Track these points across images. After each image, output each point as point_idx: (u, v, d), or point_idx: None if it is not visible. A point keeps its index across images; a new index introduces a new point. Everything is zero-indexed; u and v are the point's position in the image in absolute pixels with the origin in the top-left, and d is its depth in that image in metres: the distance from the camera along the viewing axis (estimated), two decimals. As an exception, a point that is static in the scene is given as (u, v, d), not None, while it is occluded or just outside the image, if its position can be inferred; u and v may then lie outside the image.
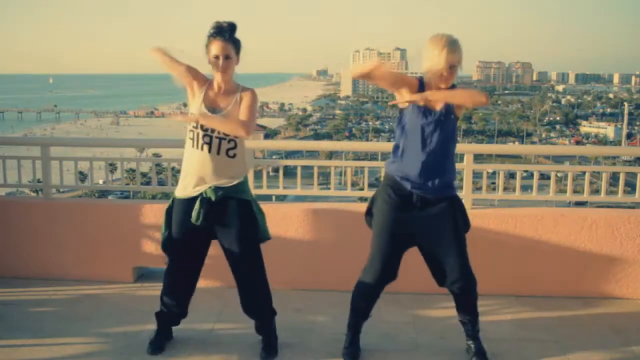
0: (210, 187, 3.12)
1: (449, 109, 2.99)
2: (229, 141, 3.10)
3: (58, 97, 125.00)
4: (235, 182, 3.16)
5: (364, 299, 3.23)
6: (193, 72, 3.14)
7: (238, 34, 3.11)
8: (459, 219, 3.10)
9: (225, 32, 3.06)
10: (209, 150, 3.08)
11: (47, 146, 4.58)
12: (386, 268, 3.13)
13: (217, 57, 3.05)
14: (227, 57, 3.05)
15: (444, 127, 2.98)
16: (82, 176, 6.13)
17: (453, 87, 2.99)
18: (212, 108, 3.10)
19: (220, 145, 3.09)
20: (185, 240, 3.23)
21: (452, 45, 2.85)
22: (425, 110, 2.97)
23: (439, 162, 3.01)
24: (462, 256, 3.07)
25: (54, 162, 4.62)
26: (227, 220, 3.16)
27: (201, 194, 3.12)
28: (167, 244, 3.30)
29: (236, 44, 3.09)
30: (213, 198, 3.11)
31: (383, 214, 3.11)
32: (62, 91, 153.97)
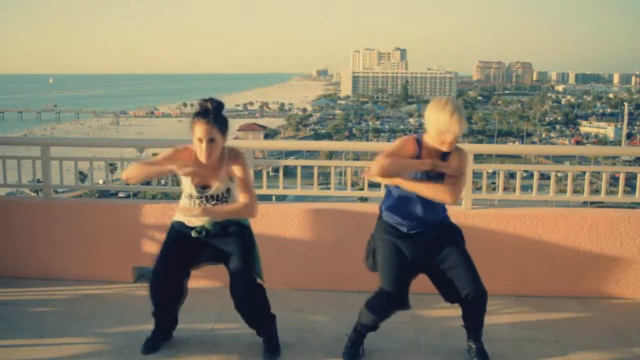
0: (209, 222, 3.19)
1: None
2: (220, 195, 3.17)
3: (58, 97, 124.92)
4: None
5: (372, 318, 3.20)
6: (173, 157, 3.10)
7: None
8: (457, 236, 3.19)
9: (210, 114, 2.99)
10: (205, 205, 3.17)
11: (47, 146, 4.58)
12: (395, 293, 3.10)
13: (200, 140, 3.01)
14: (211, 140, 3.00)
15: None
16: (82, 176, 6.12)
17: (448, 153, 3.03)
18: (204, 185, 3.13)
19: (213, 200, 3.17)
20: (172, 253, 3.26)
21: (459, 111, 2.88)
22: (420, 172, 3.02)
23: (432, 207, 3.07)
24: (471, 269, 3.10)
25: (54, 162, 4.62)
26: (228, 239, 3.22)
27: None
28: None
29: (222, 125, 3.03)
30: (211, 231, 3.20)
31: (384, 244, 3.14)
32: (62, 91, 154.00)
